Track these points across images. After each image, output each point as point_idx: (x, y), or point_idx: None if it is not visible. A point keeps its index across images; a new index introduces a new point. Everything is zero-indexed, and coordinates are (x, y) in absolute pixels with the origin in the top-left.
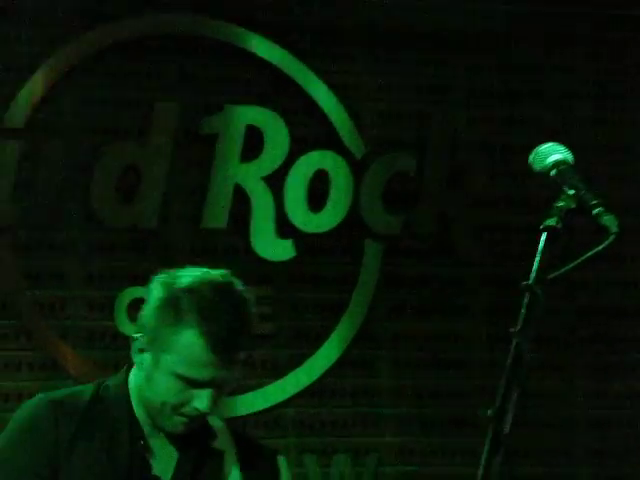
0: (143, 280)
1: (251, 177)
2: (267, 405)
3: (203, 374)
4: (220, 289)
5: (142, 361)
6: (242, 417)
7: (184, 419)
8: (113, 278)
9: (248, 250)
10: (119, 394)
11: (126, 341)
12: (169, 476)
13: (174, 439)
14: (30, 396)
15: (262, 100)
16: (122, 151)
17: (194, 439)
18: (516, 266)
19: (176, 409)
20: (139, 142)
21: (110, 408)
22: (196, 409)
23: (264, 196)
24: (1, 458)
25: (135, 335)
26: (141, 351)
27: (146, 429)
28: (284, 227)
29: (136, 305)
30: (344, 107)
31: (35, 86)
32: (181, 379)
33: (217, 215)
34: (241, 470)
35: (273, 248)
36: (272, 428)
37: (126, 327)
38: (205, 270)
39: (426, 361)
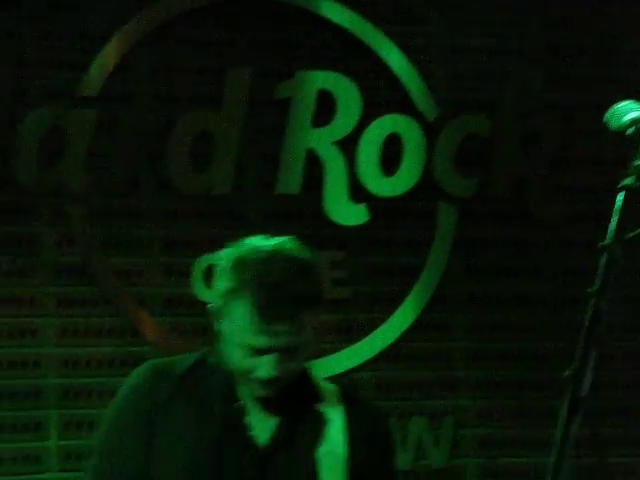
0: (218, 246)
1: (324, 142)
2: (343, 369)
3: (258, 342)
4: (277, 258)
5: (218, 329)
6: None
7: (261, 384)
8: (189, 245)
9: (321, 215)
10: (219, 358)
11: (203, 307)
12: (268, 436)
13: (277, 401)
14: (110, 362)
15: (334, 64)
16: (195, 118)
17: (298, 401)
18: (592, 227)
19: (249, 374)
20: (212, 109)
21: (210, 371)
22: (265, 374)
23: (337, 161)
24: (108, 418)
25: (209, 305)
26: (216, 319)
27: (244, 390)
28: (357, 191)
29: (212, 271)
30: (416, 69)
31: (109, 55)
32: (242, 347)
33: (291, 180)
34: (346, 434)
35: (347, 212)
36: None
37: (203, 293)
38: (268, 238)
39: (501, 323)
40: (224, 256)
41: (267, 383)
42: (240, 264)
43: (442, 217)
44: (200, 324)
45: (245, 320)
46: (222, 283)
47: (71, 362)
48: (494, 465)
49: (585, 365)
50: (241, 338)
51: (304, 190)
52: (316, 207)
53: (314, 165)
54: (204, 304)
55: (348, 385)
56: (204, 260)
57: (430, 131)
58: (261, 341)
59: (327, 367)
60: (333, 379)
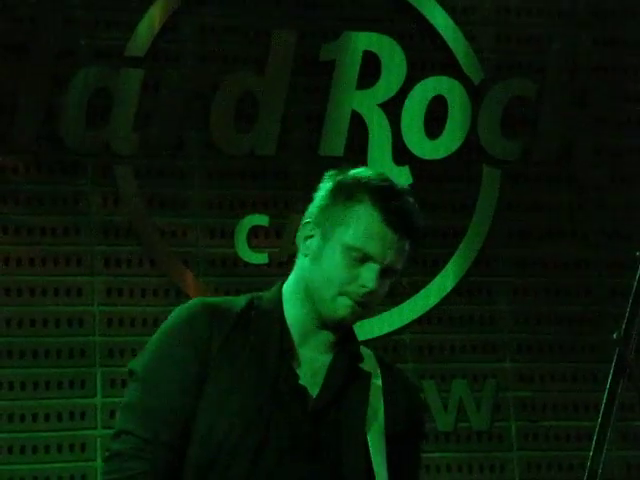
0: (262, 207)
1: (368, 104)
2: (385, 331)
3: (374, 247)
4: (388, 180)
5: (308, 246)
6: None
7: (349, 301)
8: (232, 205)
9: None
10: (272, 304)
11: (246, 267)
12: (316, 388)
13: (324, 352)
14: (154, 321)
15: (379, 26)
16: (240, 79)
17: (345, 356)
18: (639, 190)
19: (342, 287)
20: (257, 70)
21: (262, 316)
22: (362, 286)
23: (381, 123)
24: (156, 352)
25: (304, 222)
26: (308, 238)
27: (296, 339)
28: (401, 154)
29: (255, 232)
30: (462, 31)
31: (155, 15)
32: (352, 252)
33: (335, 142)
34: (384, 394)
35: (390, 175)
36: (390, 354)
37: (246, 253)
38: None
39: (544, 287)
40: (328, 181)
41: (358, 302)
42: (354, 182)
43: (486, 180)
44: (243, 284)
45: (366, 222)
46: (332, 197)
47: (116, 321)
48: (536, 428)
49: (631, 328)
50: (356, 241)
51: (348, 152)
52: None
53: (358, 127)
54: (247, 263)
55: (379, 352)
56: (247, 220)
57: (475, 93)
58: (377, 246)
59: (369, 329)
60: (369, 343)
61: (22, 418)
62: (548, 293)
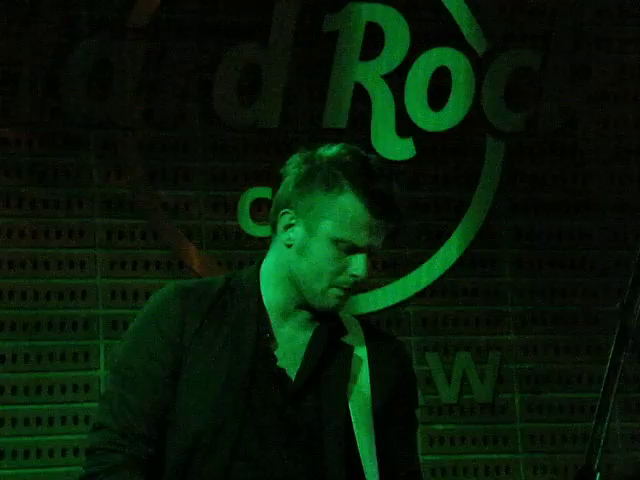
0: (265, 179)
1: (371, 75)
2: (388, 304)
3: (362, 237)
4: (364, 158)
5: (291, 236)
6: (363, 315)
7: (339, 291)
8: (235, 178)
9: (369, 149)
10: (249, 284)
11: (249, 240)
12: (295, 369)
13: (304, 330)
14: None
15: None
16: (243, 51)
17: (325, 332)
18: None
19: (332, 278)
20: (260, 41)
21: (239, 298)
22: (353, 275)
23: (384, 95)
24: (131, 342)
25: (281, 211)
26: (288, 227)
27: (273, 319)
28: (405, 126)
29: (258, 204)
30: (466, 2)
31: None
32: (339, 244)
33: (338, 114)
34: (369, 366)
35: (393, 147)
36: (394, 326)
37: (249, 226)
38: (342, 144)
39: (548, 259)
40: (301, 162)
41: (348, 289)
42: (330, 165)
43: (490, 152)
44: (246, 256)
45: (352, 215)
46: (310, 185)
47: (119, 293)
48: (539, 400)
49: (634, 298)
50: (343, 234)
51: (351, 124)
52: (363, 141)
53: (361, 99)
54: (250, 237)
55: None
56: (250, 193)
57: (479, 65)
58: (364, 236)
59: (373, 302)
60: (373, 315)
61: (25, 391)
62: (552, 265)
